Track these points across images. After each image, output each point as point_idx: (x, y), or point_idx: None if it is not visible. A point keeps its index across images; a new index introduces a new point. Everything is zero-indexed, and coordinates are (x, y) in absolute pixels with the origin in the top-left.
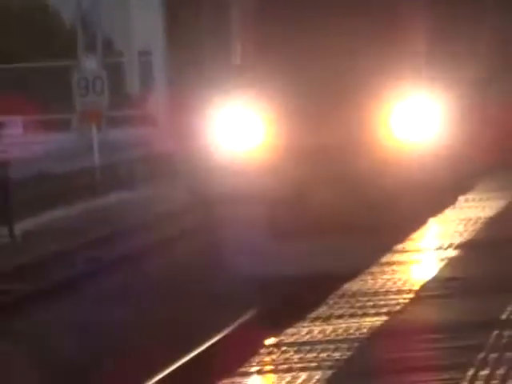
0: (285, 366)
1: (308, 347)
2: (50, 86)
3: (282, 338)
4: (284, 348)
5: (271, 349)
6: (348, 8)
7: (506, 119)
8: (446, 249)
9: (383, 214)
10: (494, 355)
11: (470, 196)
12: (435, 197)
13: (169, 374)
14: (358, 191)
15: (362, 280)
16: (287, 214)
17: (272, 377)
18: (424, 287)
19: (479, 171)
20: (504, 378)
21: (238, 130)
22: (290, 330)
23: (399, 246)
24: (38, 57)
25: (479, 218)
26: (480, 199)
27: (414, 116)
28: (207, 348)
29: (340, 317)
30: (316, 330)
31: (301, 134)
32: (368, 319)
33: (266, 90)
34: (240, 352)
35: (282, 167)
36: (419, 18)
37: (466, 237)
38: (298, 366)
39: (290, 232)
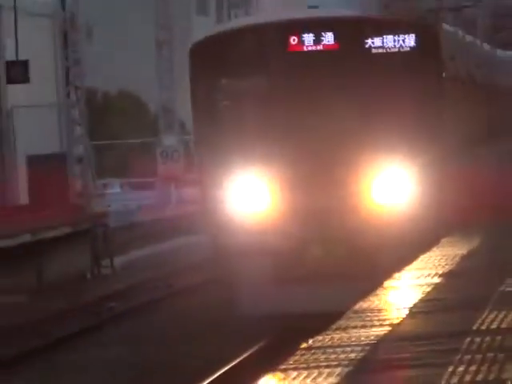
0: (314, 364)
1: (331, 350)
2: (139, 156)
3: (311, 343)
4: (313, 351)
5: (303, 351)
6: (340, 101)
7: (467, 186)
8: (432, 277)
9: (376, 259)
10: (467, 357)
11: (449, 239)
12: (423, 241)
13: (227, 371)
14: (347, 244)
15: (370, 300)
16: (288, 264)
17: (304, 372)
18: (415, 305)
19: (453, 224)
20: (475, 374)
21: (250, 197)
22: (317, 338)
23: (397, 275)
24: (130, 135)
25: (457, 254)
26: (457, 241)
27: (392, 185)
28: (254, 352)
29: (354, 327)
30: (336, 337)
31: (298, 201)
32: (374, 329)
33: (271, 167)
34: (278, 356)
35: (284, 226)
36: (396, 109)
37: (447, 268)
38: (323, 364)
39: (292, 278)
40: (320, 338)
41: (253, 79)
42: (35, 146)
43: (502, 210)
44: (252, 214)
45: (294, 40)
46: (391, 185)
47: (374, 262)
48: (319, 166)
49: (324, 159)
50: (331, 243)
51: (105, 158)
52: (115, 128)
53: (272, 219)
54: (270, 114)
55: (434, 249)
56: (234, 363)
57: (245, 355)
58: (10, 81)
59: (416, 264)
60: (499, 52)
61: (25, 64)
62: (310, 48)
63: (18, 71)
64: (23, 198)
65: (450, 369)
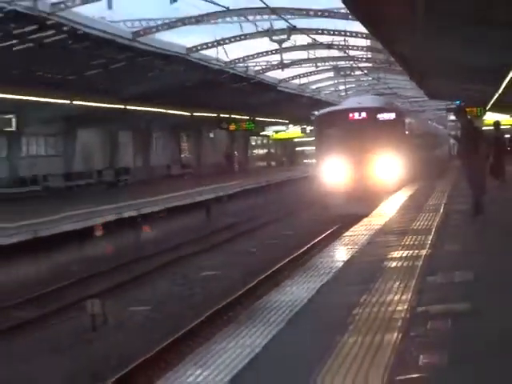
0: (351, 240)
1: (351, 238)
2: None
3: (350, 231)
4: (352, 232)
5: (346, 236)
6: (367, 137)
7: (415, 167)
8: (398, 204)
9: (375, 195)
10: (410, 236)
11: (406, 188)
12: (396, 187)
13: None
14: (371, 188)
15: (372, 215)
16: (349, 197)
17: (345, 247)
18: (388, 224)
19: (408, 181)
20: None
21: (334, 171)
22: (346, 234)
23: (385, 201)
24: None
25: (416, 193)
26: (409, 188)
27: (386, 167)
28: (335, 228)
29: (361, 231)
30: (354, 232)
31: (351, 173)
32: (369, 231)
33: (342, 160)
34: (334, 236)
35: (346, 182)
36: (396, 136)
37: (407, 198)
38: (355, 240)
39: (347, 200)
40: (354, 228)
41: (337, 129)
42: None
43: (428, 176)
44: (335, 177)
45: (351, 115)
46: (386, 167)
47: (379, 196)
48: (359, 161)
49: (361, 158)
50: (364, 188)
51: None
52: None
53: (342, 179)
54: (343, 142)
55: (403, 190)
56: (326, 233)
57: (331, 229)
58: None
59: (394, 196)
60: (427, 120)
61: None
62: (356, 118)
63: None
64: None
65: (406, 237)
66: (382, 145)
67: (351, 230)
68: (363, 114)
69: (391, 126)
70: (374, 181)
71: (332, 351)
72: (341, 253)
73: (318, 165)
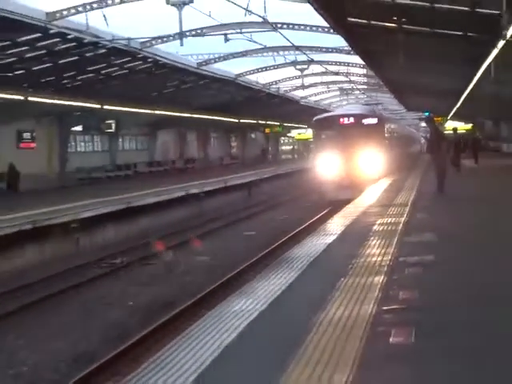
0: (349, 212)
1: (348, 211)
2: None
3: (345, 210)
4: (349, 207)
5: (338, 216)
6: (354, 138)
7: (392, 161)
8: (382, 188)
9: (362, 183)
10: (392, 208)
11: (386, 177)
12: (378, 177)
13: (316, 219)
14: (356, 179)
15: (361, 197)
16: (338, 184)
17: (345, 217)
18: (375, 201)
19: (387, 173)
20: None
21: (327, 165)
22: (344, 210)
23: (368, 187)
24: None
25: (389, 181)
26: (388, 177)
27: (369, 162)
28: (326, 211)
29: (355, 207)
30: (349, 208)
31: (341, 166)
32: (361, 207)
33: (333, 157)
34: (330, 214)
35: (337, 173)
36: (378, 136)
37: (388, 183)
38: (351, 212)
39: (339, 187)
40: (344, 209)
41: (330, 131)
42: None
43: (404, 168)
44: (328, 169)
45: (342, 120)
46: (370, 161)
47: (363, 185)
48: (348, 157)
49: (349, 155)
50: (351, 179)
51: None
52: None
53: (334, 171)
54: (334, 142)
55: (384, 179)
56: (320, 215)
57: (323, 212)
58: None
59: (375, 183)
60: (403, 125)
61: None
62: (346, 123)
63: None
64: None
65: (390, 209)
66: (367, 144)
67: (347, 206)
68: (351, 119)
69: (374, 129)
70: (361, 172)
71: (337, 289)
72: (342, 221)
73: (315, 160)
